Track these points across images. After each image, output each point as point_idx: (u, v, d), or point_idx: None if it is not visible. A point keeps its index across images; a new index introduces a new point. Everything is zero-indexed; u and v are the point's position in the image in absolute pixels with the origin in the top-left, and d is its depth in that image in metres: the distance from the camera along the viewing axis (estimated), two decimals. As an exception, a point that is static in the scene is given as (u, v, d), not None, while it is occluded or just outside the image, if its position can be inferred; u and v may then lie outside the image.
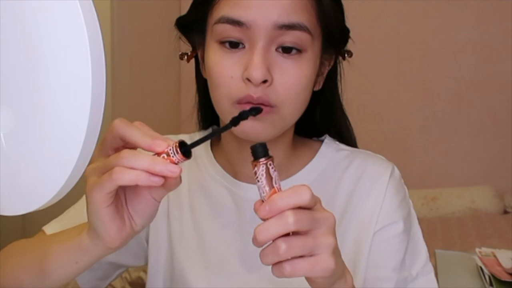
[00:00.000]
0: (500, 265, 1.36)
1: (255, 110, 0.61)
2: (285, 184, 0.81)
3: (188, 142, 0.88)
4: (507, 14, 3.03)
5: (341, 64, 0.82)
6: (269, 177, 0.55)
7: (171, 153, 0.53)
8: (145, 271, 1.20)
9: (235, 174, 0.80)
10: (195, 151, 0.86)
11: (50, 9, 0.46)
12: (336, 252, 0.54)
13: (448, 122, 3.19)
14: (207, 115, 0.85)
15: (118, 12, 2.43)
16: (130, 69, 2.58)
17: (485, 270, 1.35)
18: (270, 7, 0.68)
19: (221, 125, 0.80)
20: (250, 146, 0.55)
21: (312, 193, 0.54)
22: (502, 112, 3.11)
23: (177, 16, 0.79)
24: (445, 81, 3.18)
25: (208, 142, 0.85)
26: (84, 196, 0.83)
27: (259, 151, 0.55)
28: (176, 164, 0.53)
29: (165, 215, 0.82)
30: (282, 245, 0.51)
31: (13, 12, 0.48)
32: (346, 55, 0.80)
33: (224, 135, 0.81)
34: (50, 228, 0.80)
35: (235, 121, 0.58)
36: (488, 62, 3.11)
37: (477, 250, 1.46)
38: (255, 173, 0.55)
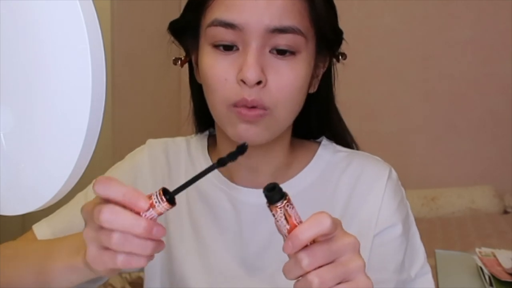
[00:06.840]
0: (500, 265, 1.36)
1: (242, 148, 0.53)
2: (284, 187, 0.82)
3: (185, 145, 0.88)
4: (507, 14, 3.03)
5: (335, 66, 0.82)
6: (288, 216, 0.52)
7: (156, 203, 0.51)
8: (145, 271, 1.20)
9: (231, 177, 0.80)
10: (193, 155, 0.86)
11: (50, 9, 0.46)
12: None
13: (448, 122, 3.19)
14: (204, 119, 0.85)
15: (118, 12, 2.43)
16: (130, 69, 2.58)
17: (485, 270, 1.34)
18: (262, 10, 0.67)
19: (217, 129, 0.80)
20: (263, 191, 0.52)
21: (332, 219, 0.52)
22: (502, 112, 3.11)
23: (177, 16, 0.78)
24: (445, 81, 3.18)
25: (205, 146, 0.85)
26: (76, 196, 0.83)
27: (275, 195, 0.52)
28: (161, 213, 0.51)
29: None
30: (315, 279, 0.51)
31: (13, 12, 0.48)
32: (340, 57, 0.80)
33: (219, 140, 0.80)
34: (40, 229, 0.80)
35: (223, 162, 0.52)
36: (488, 62, 3.12)
37: (477, 250, 1.46)
38: (273, 215, 0.52)
